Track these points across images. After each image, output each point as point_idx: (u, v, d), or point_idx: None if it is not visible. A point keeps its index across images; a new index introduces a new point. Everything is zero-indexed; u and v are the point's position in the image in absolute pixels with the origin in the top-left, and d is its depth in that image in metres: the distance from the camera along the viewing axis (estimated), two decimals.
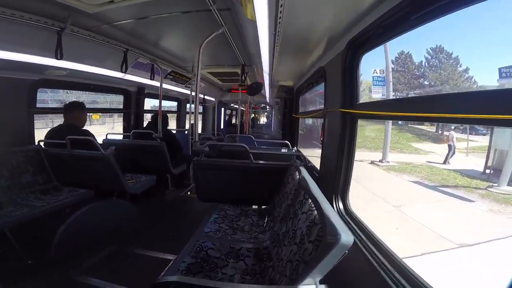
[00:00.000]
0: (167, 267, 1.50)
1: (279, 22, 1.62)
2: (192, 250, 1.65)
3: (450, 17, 1.12)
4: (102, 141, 3.63)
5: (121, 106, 4.49)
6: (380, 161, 9.03)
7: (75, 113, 2.98)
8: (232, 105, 10.18)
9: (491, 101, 0.92)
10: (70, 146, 2.63)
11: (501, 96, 0.91)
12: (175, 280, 1.08)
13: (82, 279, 1.97)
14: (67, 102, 3.11)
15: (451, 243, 4.15)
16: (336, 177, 2.03)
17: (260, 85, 3.87)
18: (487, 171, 5.81)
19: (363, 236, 1.57)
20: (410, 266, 1.23)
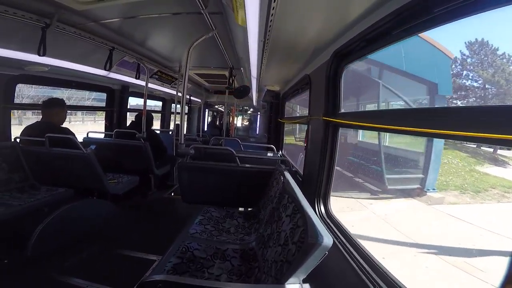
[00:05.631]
0: (153, 267, 1.51)
1: (269, 30, 1.67)
2: (177, 251, 1.66)
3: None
4: (83, 140, 3.53)
5: (95, 103, 4.37)
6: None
7: (55, 110, 2.88)
8: (217, 107, 10.15)
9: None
10: (48, 144, 2.54)
11: None
12: (162, 279, 1.08)
13: (64, 279, 1.93)
14: (47, 99, 3.01)
15: None
16: (318, 181, 2.10)
17: (248, 89, 3.91)
18: None
19: (342, 238, 1.64)
20: (386, 267, 1.31)
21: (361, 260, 1.39)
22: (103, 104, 4.42)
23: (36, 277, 1.91)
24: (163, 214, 3.43)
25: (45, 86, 3.50)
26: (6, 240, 2.02)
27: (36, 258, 1.97)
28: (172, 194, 4.20)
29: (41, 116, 2.87)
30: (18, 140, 2.68)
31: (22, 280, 1.86)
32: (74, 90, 4.00)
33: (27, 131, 2.78)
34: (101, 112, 5.56)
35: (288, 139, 5.94)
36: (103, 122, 4.52)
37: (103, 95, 4.33)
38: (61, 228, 2.19)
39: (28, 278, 1.89)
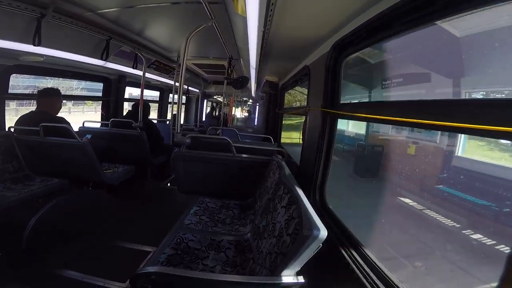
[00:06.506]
0: (147, 259, 1.50)
1: (269, 20, 1.64)
2: (172, 242, 1.66)
3: None
4: (78, 129, 3.50)
5: (84, 93, 4.29)
6: None
7: (50, 99, 2.83)
8: (215, 97, 10.09)
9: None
10: (43, 133, 2.52)
11: None
12: (155, 271, 1.08)
13: (59, 271, 1.93)
14: (42, 88, 2.96)
15: None
16: (314, 172, 2.11)
17: (246, 79, 3.87)
18: None
19: (337, 230, 1.65)
20: (377, 260, 1.33)
21: (354, 253, 1.41)
22: (94, 94, 4.34)
23: (30, 270, 1.90)
24: (159, 204, 3.44)
25: (31, 76, 3.40)
26: (0, 232, 2.00)
27: (30, 250, 1.96)
28: (169, 184, 4.21)
29: (24, 108, 2.82)
30: (12, 129, 2.65)
31: (16, 273, 1.84)
32: (61, 79, 3.90)
33: (22, 120, 2.74)
34: (90, 102, 5.44)
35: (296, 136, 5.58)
36: (93, 113, 4.44)
37: (94, 85, 4.25)
38: (56, 219, 2.17)
39: (23, 271, 1.88)
